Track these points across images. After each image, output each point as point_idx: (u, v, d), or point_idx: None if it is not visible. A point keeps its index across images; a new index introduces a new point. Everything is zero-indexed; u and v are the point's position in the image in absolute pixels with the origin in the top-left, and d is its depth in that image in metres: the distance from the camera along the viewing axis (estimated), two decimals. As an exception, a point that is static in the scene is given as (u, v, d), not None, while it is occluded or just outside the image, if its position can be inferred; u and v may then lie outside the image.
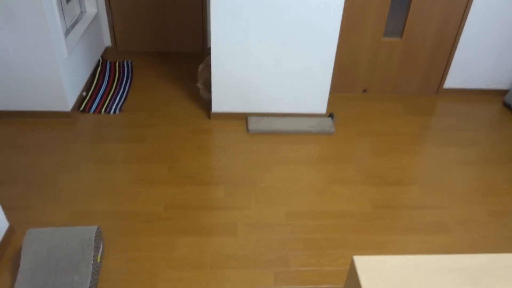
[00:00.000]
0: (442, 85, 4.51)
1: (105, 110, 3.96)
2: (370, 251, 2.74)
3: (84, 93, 4.15)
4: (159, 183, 3.19)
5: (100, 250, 2.57)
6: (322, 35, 3.57)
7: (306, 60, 3.69)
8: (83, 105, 3.99)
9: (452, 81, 4.49)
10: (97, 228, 2.53)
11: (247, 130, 3.81)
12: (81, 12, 4.50)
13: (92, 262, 2.39)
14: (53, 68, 3.58)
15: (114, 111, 3.97)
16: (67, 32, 3.98)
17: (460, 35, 4.20)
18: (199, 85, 4.05)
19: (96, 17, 4.60)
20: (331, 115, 4.01)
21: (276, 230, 2.86)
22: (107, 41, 4.92)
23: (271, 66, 3.70)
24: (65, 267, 2.35)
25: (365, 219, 2.99)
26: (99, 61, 4.61)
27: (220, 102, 3.86)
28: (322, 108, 3.97)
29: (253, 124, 3.82)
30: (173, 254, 2.66)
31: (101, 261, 2.57)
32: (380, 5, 3.98)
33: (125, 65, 4.68)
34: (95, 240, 2.46)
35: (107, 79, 4.43)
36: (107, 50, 4.93)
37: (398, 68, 4.37)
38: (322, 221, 2.95)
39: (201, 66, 4.05)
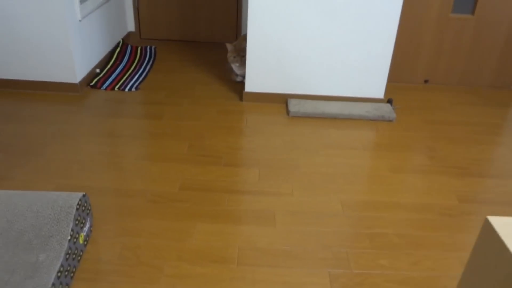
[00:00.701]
0: (522, 78, 3.72)
1: (119, 87, 3.35)
2: (464, 253, 1.92)
3: (98, 70, 3.56)
4: (174, 161, 2.48)
5: (86, 229, 1.84)
6: (385, -5, 2.89)
7: (361, 29, 3.00)
8: (94, 81, 3.39)
9: (536, 72, 3.70)
10: (83, 195, 1.82)
11: (287, 112, 3.10)
12: (103, -13, 4.00)
13: (69, 239, 1.66)
14: (62, 29, 3.01)
15: (130, 89, 3.35)
16: (83, 0, 3.45)
17: (548, 13, 3.45)
18: (230, 57, 3.39)
19: (119, -5, 4.10)
20: (389, 101, 3.27)
21: (329, 222, 2.08)
22: (131, 26, 4.40)
23: (318, 36, 3.02)
24: (30, 241, 1.63)
25: (451, 214, 2.17)
26: (119, 42, 4.06)
27: (255, 80, 3.18)
28: (379, 91, 3.23)
29: (295, 106, 3.11)
30: (186, 243, 1.91)
31: (85, 244, 1.84)
32: (452, -29, 3.30)
33: (148, 49, 4.12)
34: (77, 210, 1.75)
35: (126, 60, 3.86)
36: (129, 35, 4.40)
37: (468, 54, 3.62)
38: (391, 213, 2.15)
39: (229, 46, 3.41)
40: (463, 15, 3.49)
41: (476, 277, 1.14)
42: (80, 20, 3.19)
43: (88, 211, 1.88)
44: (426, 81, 3.75)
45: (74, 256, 1.70)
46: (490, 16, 3.47)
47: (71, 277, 1.68)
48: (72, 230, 1.69)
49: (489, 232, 1.10)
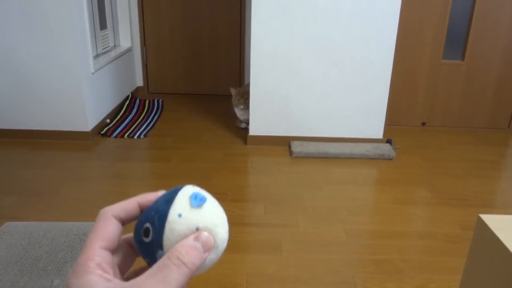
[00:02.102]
0: (516, 118, 3.86)
1: (128, 135, 3.50)
2: (471, 277, 1.94)
3: (108, 120, 3.74)
4: (183, 198, 2.56)
5: (98, 258, 1.89)
6: (378, 43, 3.11)
7: (359, 74, 3.20)
8: (104, 129, 3.55)
9: (529, 112, 3.85)
10: (97, 224, 1.89)
11: (291, 153, 3.22)
12: (115, 45, 4.29)
13: (84, 264, 1.71)
14: (76, 81, 3.22)
15: (139, 136, 3.49)
16: (97, 56, 3.71)
17: (534, 56, 3.67)
18: (236, 104, 3.57)
19: (130, 52, 4.37)
20: (389, 141, 3.39)
21: (335, 250, 2.12)
22: (139, 81, 4.64)
23: (318, 82, 3.21)
24: (45, 268, 1.69)
25: (455, 241, 2.22)
26: (128, 96, 4.28)
27: (259, 124, 3.33)
28: (378, 132, 3.37)
29: (298, 147, 3.23)
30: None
31: (97, 273, 1.88)
32: (439, 19, 3.55)
33: (155, 102, 4.32)
34: (91, 237, 1.81)
35: (134, 111, 4.05)
36: (138, 89, 4.63)
37: (462, 97, 3.80)
38: (395, 241, 2.20)
39: (233, 91, 3.60)
40: (453, 61, 3.70)
41: (474, 273, 1.19)
42: (93, 73, 3.41)
43: (100, 241, 1.94)
44: (423, 124, 3.89)
45: (86, 282, 1.75)
46: (479, 61, 3.67)
47: (83, 304, 1.71)
48: (85, 256, 1.75)
49: (482, 228, 1.18)
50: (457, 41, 3.66)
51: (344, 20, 3.05)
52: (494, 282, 1.09)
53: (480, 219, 1.17)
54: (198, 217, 0.39)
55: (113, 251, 0.40)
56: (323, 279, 1.91)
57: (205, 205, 0.40)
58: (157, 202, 0.41)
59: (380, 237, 2.23)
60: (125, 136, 3.49)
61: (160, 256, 0.38)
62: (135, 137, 3.48)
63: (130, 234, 0.42)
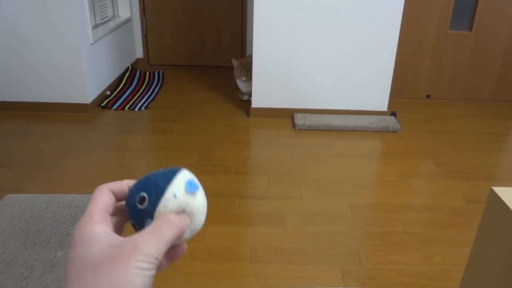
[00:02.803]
0: (523, 91, 3.80)
1: (129, 107, 3.45)
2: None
3: (108, 92, 3.68)
4: (185, 171, 2.53)
5: (101, 230, 1.88)
6: (384, 11, 3.02)
7: (364, 45, 3.12)
8: (105, 102, 3.50)
9: (536, 84, 3.78)
10: (99, 197, 1.86)
11: (294, 126, 3.17)
12: (114, 16, 4.19)
13: (86, 236, 1.70)
14: (75, 52, 3.15)
15: (140, 108, 3.44)
16: (95, 26, 3.62)
17: (543, 27, 3.57)
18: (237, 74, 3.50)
19: (129, 23, 4.27)
20: (393, 114, 3.34)
21: (339, 222, 2.11)
22: (139, 53, 4.55)
23: (322, 53, 3.13)
24: (48, 240, 1.67)
25: (459, 214, 2.20)
26: (128, 68, 4.20)
27: (262, 96, 3.28)
28: (383, 104, 3.31)
29: (301, 119, 3.18)
30: (199, 243, 1.94)
31: (100, 245, 1.87)
32: (448, -12, 3.44)
33: (156, 74, 4.25)
34: (93, 209, 1.79)
35: (135, 83, 3.98)
36: (138, 61, 4.55)
37: (468, 69, 3.72)
38: (400, 214, 2.18)
39: (235, 62, 3.52)
40: (461, 32, 3.61)
41: (485, 247, 1.17)
42: (92, 44, 3.33)
43: (103, 213, 1.92)
44: (428, 96, 3.83)
45: (90, 254, 1.74)
46: (487, 32, 3.58)
47: (87, 276, 1.71)
48: (88, 228, 1.73)
49: (494, 200, 1.14)
50: (465, 11, 3.56)
51: (350, -12, 2.95)
52: (506, 255, 1.06)
53: (492, 192, 1.14)
54: (189, 201, 0.45)
55: (110, 215, 0.46)
56: (327, 252, 1.90)
57: (197, 193, 0.46)
58: (157, 177, 0.46)
59: (384, 210, 2.21)
60: (126, 108, 3.44)
61: (148, 224, 0.44)
62: (136, 109, 3.44)
63: (122, 202, 0.47)
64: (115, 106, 3.45)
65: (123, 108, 3.44)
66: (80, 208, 1.76)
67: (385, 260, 1.86)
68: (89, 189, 2.00)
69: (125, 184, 0.48)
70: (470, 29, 3.61)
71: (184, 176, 0.46)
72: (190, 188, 0.46)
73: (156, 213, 0.44)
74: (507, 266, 1.04)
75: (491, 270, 1.13)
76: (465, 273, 1.23)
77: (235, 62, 3.49)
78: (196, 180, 0.47)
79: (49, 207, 1.75)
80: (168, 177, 0.46)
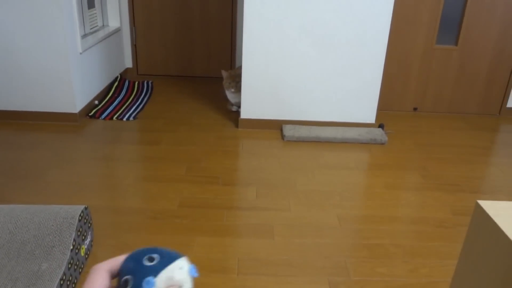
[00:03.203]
0: (506, 104, 3.87)
1: (117, 117, 3.43)
2: (462, 262, 1.94)
3: (96, 102, 3.66)
4: (173, 181, 2.53)
5: (87, 242, 1.86)
6: (372, 25, 3.07)
7: (352, 57, 3.16)
8: (93, 111, 3.48)
9: (520, 98, 3.86)
10: (85, 208, 1.85)
11: (282, 137, 3.18)
12: (103, 25, 4.18)
13: (72, 248, 1.68)
14: (63, 61, 3.13)
15: (128, 118, 3.43)
16: (85, 36, 3.61)
17: (527, 42, 3.65)
18: (227, 86, 3.51)
19: (119, 32, 4.27)
20: (381, 126, 3.37)
21: (327, 234, 2.11)
22: (128, 63, 4.54)
23: (311, 65, 3.16)
24: (32, 252, 1.65)
25: (446, 226, 2.22)
26: (117, 77, 4.19)
27: (251, 107, 3.29)
28: (370, 116, 3.35)
29: (290, 131, 3.20)
30: (186, 255, 1.91)
31: (86, 257, 1.85)
32: (433, 4, 3.51)
33: (145, 84, 4.24)
34: (79, 221, 1.77)
35: (123, 93, 3.97)
36: (127, 70, 4.54)
37: (454, 83, 3.78)
38: (387, 226, 2.19)
39: (225, 73, 3.53)
40: (447, 46, 3.67)
41: (471, 259, 1.18)
42: (80, 53, 3.32)
43: (89, 225, 1.90)
44: (415, 109, 3.88)
45: (75, 267, 1.71)
46: (473, 46, 3.65)
47: (72, 288, 1.68)
48: (74, 240, 1.71)
49: (480, 214, 1.16)
50: (451, 26, 3.63)
51: (338, 3, 2.99)
52: (492, 268, 1.07)
53: (478, 205, 1.15)
54: None
55: None
56: (315, 264, 1.90)
57: None
58: (142, 272, 0.48)
59: (372, 222, 2.22)
60: (114, 118, 3.42)
61: None
62: (124, 119, 3.42)
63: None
64: (103, 116, 3.43)
65: (111, 118, 3.42)
66: (66, 219, 1.74)
67: (373, 272, 1.87)
68: (76, 200, 1.99)
69: (122, 261, 0.51)
70: (456, 43, 3.67)
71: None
72: None
73: None
74: (493, 278, 1.05)
75: (477, 283, 1.14)
76: (451, 285, 1.23)
77: (224, 74, 3.50)
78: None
79: (34, 218, 1.73)
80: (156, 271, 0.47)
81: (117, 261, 0.51)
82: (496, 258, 1.05)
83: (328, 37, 3.08)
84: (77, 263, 1.73)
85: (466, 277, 1.19)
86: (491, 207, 1.15)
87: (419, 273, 1.87)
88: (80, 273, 1.77)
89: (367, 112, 3.32)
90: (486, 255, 1.11)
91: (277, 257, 1.94)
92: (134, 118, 3.44)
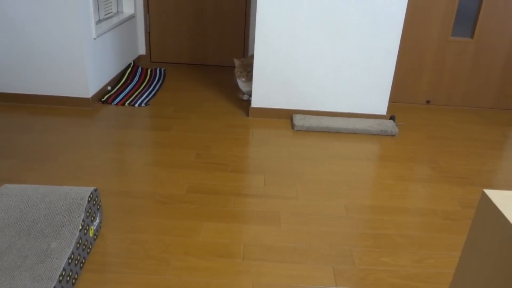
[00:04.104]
0: (523, 99, 3.80)
1: (129, 103, 3.46)
2: (468, 254, 1.93)
3: (109, 88, 3.69)
4: (183, 167, 2.55)
5: (96, 223, 1.89)
6: (386, 15, 3.03)
7: (365, 48, 3.13)
8: (105, 97, 3.52)
9: (536, 93, 3.79)
10: (95, 190, 1.88)
11: (292, 126, 3.18)
12: (118, 11, 4.20)
13: (80, 229, 1.71)
14: (77, 46, 3.16)
15: (140, 104, 3.46)
16: (99, 21, 3.64)
17: (545, 36, 3.58)
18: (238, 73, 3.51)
19: (133, 19, 4.29)
20: (392, 118, 3.35)
21: (334, 223, 2.11)
22: (142, 50, 4.57)
23: (323, 55, 3.15)
24: (42, 230, 1.69)
25: (454, 218, 2.21)
26: (130, 64, 4.21)
27: (262, 96, 3.29)
28: (382, 108, 3.32)
29: (300, 120, 3.19)
30: (193, 239, 1.95)
31: (95, 238, 1.88)
32: (450, -5, 3.45)
33: (158, 71, 4.26)
34: (88, 202, 1.80)
35: (136, 80, 3.99)
36: (140, 58, 4.56)
37: (469, 76, 3.73)
38: (394, 217, 2.19)
39: (237, 62, 3.52)
40: (462, 38, 3.62)
41: (476, 248, 1.18)
42: (95, 39, 3.35)
43: (98, 206, 1.93)
44: (428, 102, 3.84)
45: (84, 247, 1.75)
46: (489, 39, 3.59)
47: (81, 267, 1.72)
48: (83, 221, 1.74)
49: (485, 203, 1.15)
50: (467, 18, 3.57)
51: (352, -9, 2.96)
52: (496, 257, 1.07)
53: (484, 194, 1.15)
54: None
55: None
56: (321, 252, 1.91)
57: None
58: None
59: (379, 212, 2.22)
60: (126, 104, 3.46)
61: None
62: (136, 105, 3.45)
63: None
64: (115, 101, 3.47)
65: (124, 104, 3.46)
66: (75, 200, 1.78)
67: (378, 262, 1.87)
68: (87, 183, 2.04)
69: None
70: (472, 36, 3.62)
71: None
72: None
73: None
74: (497, 267, 1.05)
75: (481, 272, 1.14)
76: (455, 273, 1.23)
77: (236, 62, 3.50)
78: None
79: (45, 198, 1.77)
80: None
81: None
82: (501, 247, 1.05)
83: (341, 26, 3.06)
84: (86, 243, 1.77)
85: (470, 266, 1.19)
86: (497, 196, 1.14)
87: (424, 264, 1.87)
88: (88, 253, 1.80)
89: (378, 103, 3.30)
90: (491, 244, 1.10)
91: (282, 244, 1.95)
92: (146, 104, 3.47)
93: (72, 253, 1.63)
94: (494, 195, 1.14)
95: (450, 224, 2.16)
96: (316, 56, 3.15)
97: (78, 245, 1.68)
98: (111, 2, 3.99)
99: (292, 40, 3.10)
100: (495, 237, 1.09)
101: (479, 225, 1.18)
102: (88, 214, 1.80)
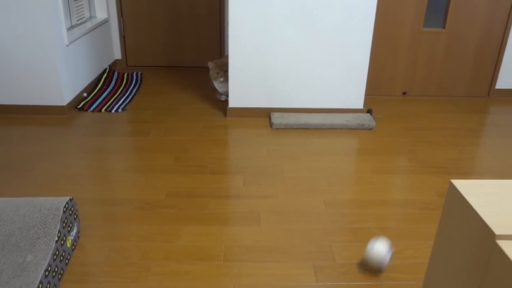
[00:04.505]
0: (494, 85, 3.87)
1: (106, 109, 3.43)
2: (446, 243, 1.97)
3: (85, 94, 3.65)
4: (161, 172, 2.53)
5: (73, 233, 1.87)
6: (358, 9, 3.06)
7: (339, 43, 3.15)
8: (81, 104, 3.47)
9: (507, 80, 3.86)
10: (70, 199, 1.86)
11: (271, 125, 3.19)
12: (90, 16, 4.15)
13: (57, 240, 1.69)
14: (50, 53, 3.11)
15: (116, 110, 3.42)
16: (71, 27, 3.59)
17: (511, 25, 3.65)
18: (213, 74, 3.50)
19: (106, 23, 4.24)
20: (369, 111, 3.38)
21: (313, 219, 2.13)
22: (117, 54, 4.52)
23: (298, 52, 3.16)
24: (17, 244, 1.66)
25: (431, 208, 2.24)
26: (105, 69, 4.17)
27: (239, 96, 3.29)
28: (359, 102, 3.35)
29: (278, 118, 3.20)
30: (173, 244, 1.94)
31: (73, 248, 1.86)
32: (420, -13, 3.50)
33: (134, 75, 4.23)
34: (64, 212, 1.78)
35: (112, 85, 3.95)
36: (116, 62, 4.52)
37: (442, 66, 3.79)
38: (373, 210, 2.21)
39: (211, 64, 3.51)
40: (434, 29, 3.67)
41: (445, 237, 1.20)
42: (67, 45, 3.30)
43: (75, 216, 1.91)
44: (404, 93, 3.89)
45: (61, 258, 1.73)
46: (460, 29, 3.65)
47: (59, 279, 1.70)
48: (59, 231, 1.72)
49: (453, 193, 1.17)
50: (438, 8, 3.62)
51: (323, -13, 2.98)
52: (465, 245, 1.09)
53: (451, 184, 1.17)
54: None
55: None
56: (301, 249, 1.92)
57: None
58: None
59: (358, 206, 2.24)
60: (103, 110, 3.42)
61: None
62: (113, 111, 3.41)
63: None
64: (91, 108, 3.43)
65: (100, 110, 3.42)
66: (50, 211, 1.75)
67: (358, 256, 1.89)
68: (64, 192, 2.01)
69: None
70: (444, 26, 3.67)
71: None
72: None
73: None
74: (465, 256, 1.07)
75: (451, 260, 1.16)
76: (429, 263, 1.25)
77: (210, 64, 3.49)
78: None
79: (19, 211, 1.74)
80: None
81: None
82: (468, 235, 1.07)
83: (314, 22, 3.07)
84: (63, 254, 1.75)
85: (441, 256, 1.21)
86: (463, 185, 1.16)
87: (403, 255, 1.89)
88: (66, 264, 1.78)
89: (355, 97, 3.32)
90: (459, 233, 1.12)
91: (263, 243, 1.95)
92: (122, 109, 3.44)
93: (49, 265, 1.61)
94: (461, 184, 1.17)
95: (427, 214, 2.19)
96: (291, 53, 3.16)
97: (55, 257, 1.66)
98: (83, 7, 3.94)
99: (266, 38, 3.11)
100: (463, 226, 1.11)
101: (448, 215, 1.20)
102: (64, 224, 1.78)
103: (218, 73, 3.44)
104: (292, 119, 3.19)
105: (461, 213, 1.13)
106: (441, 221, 1.21)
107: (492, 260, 0.95)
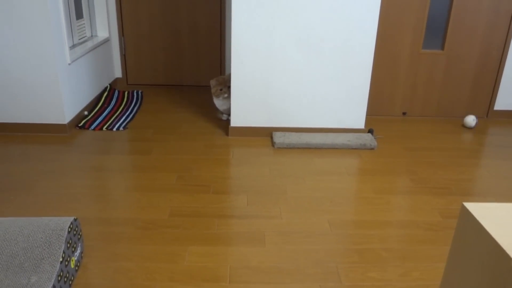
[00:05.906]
0: (493, 106, 3.92)
1: (107, 128, 3.42)
2: (452, 264, 1.96)
3: (86, 113, 3.65)
4: (164, 191, 2.52)
5: (77, 253, 1.85)
6: (359, 31, 3.10)
7: (341, 64, 3.18)
8: (82, 122, 3.47)
9: (505, 101, 3.91)
10: (74, 219, 1.84)
11: (273, 144, 3.20)
12: (92, 35, 4.18)
13: (61, 260, 1.67)
14: (52, 72, 3.12)
15: (118, 128, 3.42)
16: (73, 46, 3.61)
17: (509, 46, 3.71)
18: (215, 90, 3.51)
19: (108, 42, 4.27)
20: (370, 131, 3.40)
21: (318, 240, 2.12)
22: (118, 73, 4.54)
23: (300, 72, 3.19)
24: (22, 265, 1.63)
25: (436, 229, 2.24)
26: (106, 87, 4.18)
27: (241, 115, 3.30)
28: (360, 122, 3.37)
29: (280, 138, 3.21)
30: (178, 265, 1.92)
31: (76, 269, 1.83)
32: (419, 9, 3.56)
33: (135, 93, 4.24)
34: (69, 233, 1.76)
35: (113, 103, 3.96)
36: (117, 81, 4.53)
37: (442, 87, 3.83)
38: (378, 231, 2.21)
39: (213, 81, 3.54)
40: (433, 51, 3.72)
41: (459, 261, 1.19)
42: (69, 64, 3.31)
43: (79, 236, 1.89)
44: (404, 114, 3.92)
45: (65, 279, 1.70)
46: (459, 51, 3.71)
47: (62, 301, 1.67)
48: (63, 252, 1.70)
49: (466, 216, 1.17)
50: (437, 30, 3.68)
51: (325, 10, 3.02)
52: (479, 269, 1.09)
53: (464, 208, 1.17)
54: None
55: None
56: (307, 270, 1.90)
57: None
58: None
59: (362, 227, 2.23)
60: (104, 128, 3.42)
61: None
62: (114, 129, 3.41)
63: None
64: (92, 126, 3.42)
65: (101, 128, 3.41)
66: (55, 231, 1.73)
67: (364, 277, 1.87)
68: (66, 212, 1.99)
69: None
70: (443, 48, 3.72)
71: None
72: None
73: None
74: (480, 280, 1.06)
75: (465, 283, 1.15)
76: (441, 286, 1.24)
77: (212, 82, 3.51)
78: None
79: (23, 231, 1.72)
80: None
81: None
82: (482, 259, 1.07)
83: (316, 43, 3.11)
84: (67, 275, 1.72)
85: (454, 279, 1.20)
86: (476, 209, 1.16)
87: (410, 277, 1.88)
88: (70, 285, 1.75)
89: (356, 117, 3.35)
90: (473, 257, 1.12)
91: (268, 264, 1.94)
92: (124, 128, 3.44)
93: (54, 286, 1.58)
94: (474, 208, 1.17)
95: (432, 235, 2.18)
96: (293, 73, 3.19)
97: (59, 278, 1.64)
98: (85, 27, 3.97)
99: (268, 58, 3.14)
100: (477, 250, 1.11)
101: (461, 238, 1.20)
102: (68, 245, 1.76)
103: (221, 89, 3.45)
104: (294, 138, 3.20)
105: (474, 236, 1.13)
106: (453, 244, 1.21)
107: (508, 285, 0.94)
